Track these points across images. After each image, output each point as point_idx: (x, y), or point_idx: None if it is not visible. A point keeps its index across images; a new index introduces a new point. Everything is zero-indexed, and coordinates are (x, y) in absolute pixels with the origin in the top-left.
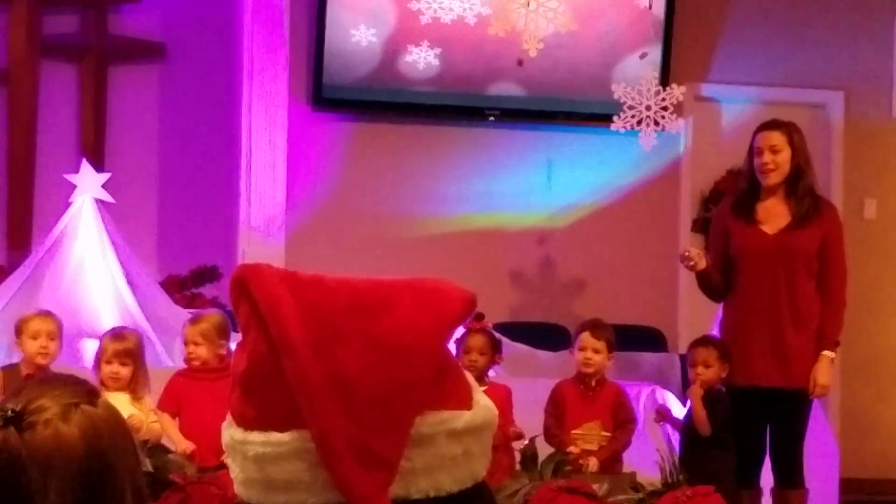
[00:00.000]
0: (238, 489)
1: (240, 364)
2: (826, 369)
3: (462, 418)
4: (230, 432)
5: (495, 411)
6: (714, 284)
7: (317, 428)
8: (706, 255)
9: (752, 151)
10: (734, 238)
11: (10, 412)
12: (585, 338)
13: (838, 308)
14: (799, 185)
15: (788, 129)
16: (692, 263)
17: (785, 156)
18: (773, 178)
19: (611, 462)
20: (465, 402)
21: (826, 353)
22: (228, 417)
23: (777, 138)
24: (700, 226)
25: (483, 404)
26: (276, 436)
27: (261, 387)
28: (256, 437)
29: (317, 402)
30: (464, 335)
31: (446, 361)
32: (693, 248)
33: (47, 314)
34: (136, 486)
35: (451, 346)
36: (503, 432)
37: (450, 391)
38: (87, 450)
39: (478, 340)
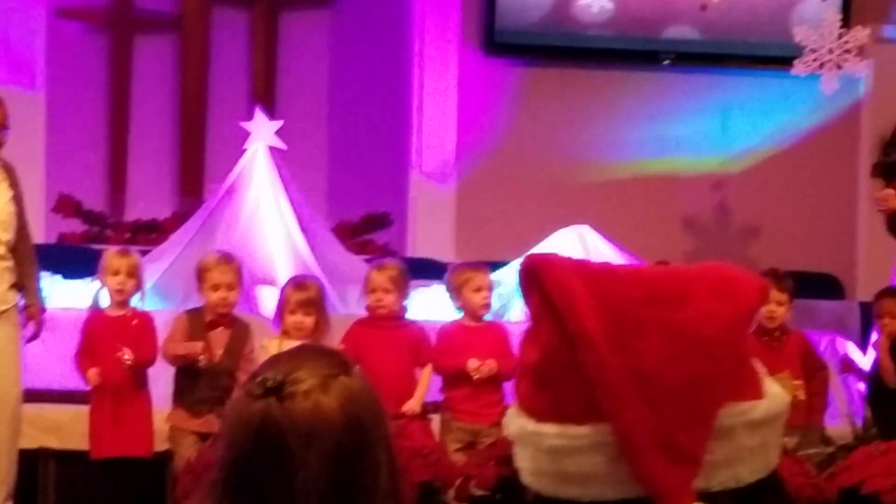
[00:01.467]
0: (527, 479)
1: (530, 355)
2: None
3: (759, 408)
4: (520, 422)
5: (787, 398)
6: None
7: (619, 422)
8: None
9: None
10: None
11: (270, 382)
12: (770, 293)
13: None
14: None
15: None
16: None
17: None
18: None
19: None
20: (759, 392)
21: None
22: (515, 406)
23: None
24: (880, 170)
25: (774, 393)
26: (573, 429)
27: (555, 379)
28: (551, 429)
29: (618, 395)
30: None
31: (743, 352)
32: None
33: (226, 261)
34: (390, 457)
35: None
36: None
37: (746, 382)
38: (346, 421)
39: None
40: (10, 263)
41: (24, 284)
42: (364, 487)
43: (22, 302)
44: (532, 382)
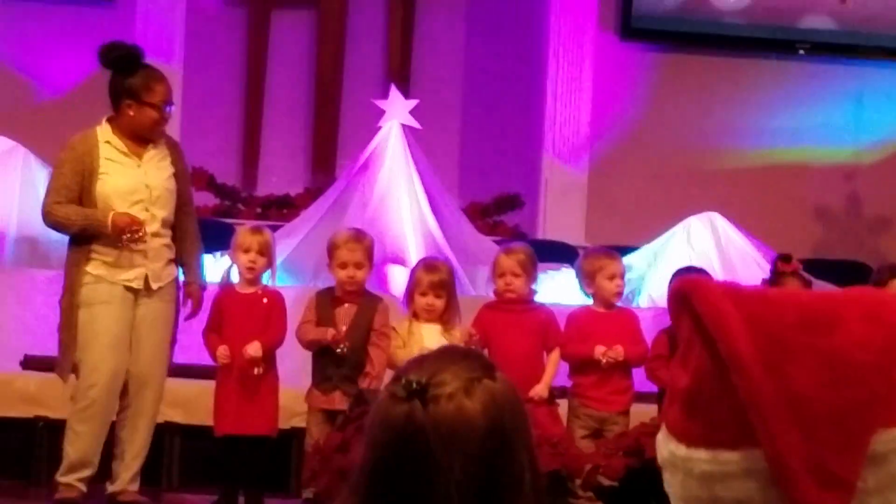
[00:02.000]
0: None
1: (681, 379)
2: None
3: None
4: (670, 447)
5: None
6: None
7: (771, 447)
8: None
9: None
10: None
11: (415, 385)
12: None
13: None
14: None
15: None
16: None
17: None
18: None
19: None
20: None
21: None
22: (665, 431)
23: None
24: None
25: None
26: (725, 454)
27: (707, 404)
28: (702, 454)
29: (771, 420)
30: (778, 279)
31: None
32: None
33: (356, 239)
34: (532, 462)
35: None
36: None
37: None
38: (489, 425)
39: (794, 284)
40: (166, 240)
41: (185, 261)
42: (507, 492)
43: (182, 279)
44: (683, 407)
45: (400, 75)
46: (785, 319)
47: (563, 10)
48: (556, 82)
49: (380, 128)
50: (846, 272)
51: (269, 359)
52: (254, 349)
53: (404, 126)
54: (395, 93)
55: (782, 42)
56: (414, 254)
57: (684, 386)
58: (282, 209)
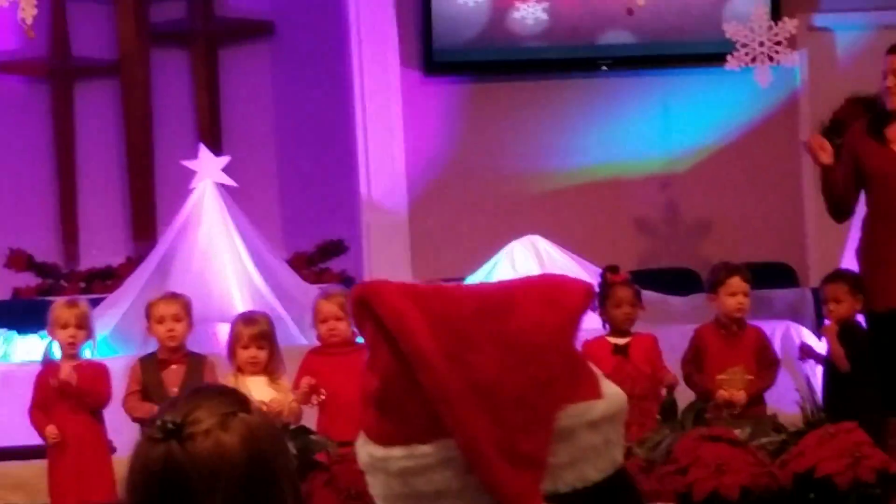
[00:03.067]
0: None
1: (371, 383)
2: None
3: (598, 408)
4: (367, 450)
5: (625, 397)
6: (838, 194)
7: (463, 436)
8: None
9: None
10: (867, 159)
11: (170, 425)
12: (737, 283)
13: None
14: None
15: None
16: (817, 154)
17: None
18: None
19: (754, 402)
20: (597, 392)
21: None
22: (363, 436)
23: None
24: None
25: (613, 392)
26: (419, 448)
27: (397, 402)
28: (398, 451)
29: (459, 410)
30: (608, 290)
31: (576, 355)
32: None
33: (172, 296)
34: (294, 488)
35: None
36: (654, 381)
37: (583, 383)
38: (249, 457)
39: (626, 292)
40: None
41: None
42: None
43: None
44: (375, 409)
45: (211, 134)
46: (463, 311)
47: (365, 51)
48: (366, 125)
49: (194, 189)
50: (673, 279)
51: (98, 426)
52: (66, 372)
53: (219, 184)
54: (204, 152)
55: (584, 60)
56: (241, 309)
57: (375, 389)
58: (105, 281)
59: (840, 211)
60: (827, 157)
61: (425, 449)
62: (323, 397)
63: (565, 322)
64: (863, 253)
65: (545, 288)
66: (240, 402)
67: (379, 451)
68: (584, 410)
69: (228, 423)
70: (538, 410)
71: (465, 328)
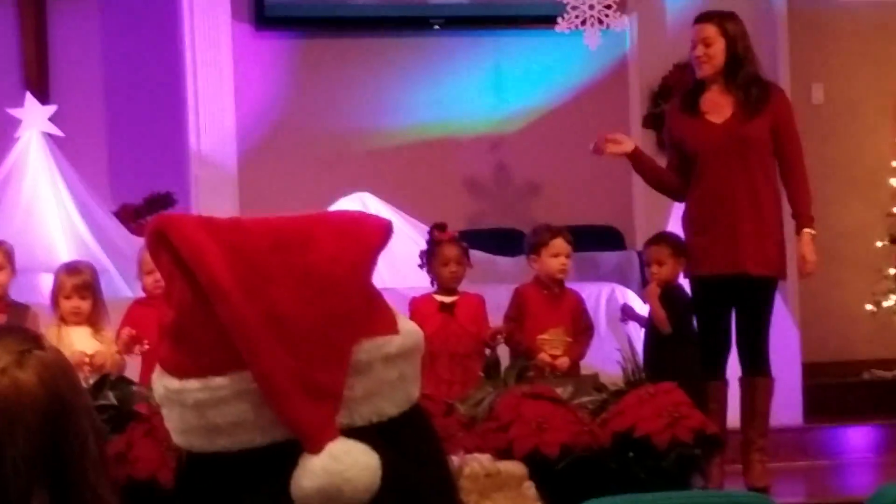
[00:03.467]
0: (178, 439)
1: (167, 315)
2: (810, 246)
3: (394, 343)
4: (163, 383)
5: (421, 334)
6: (664, 183)
7: (258, 367)
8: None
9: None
10: (684, 132)
11: None
12: (560, 244)
13: (804, 185)
14: (739, 73)
15: (721, 19)
16: (613, 148)
17: (718, 47)
18: (706, 70)
19: (571, 368)
20: (393, 328)
21: (806, 230)
22: (158, 369)
23: (709, 30)
24: (651, 122)
25: (409, 329)
26: (214, 380)
27: (193, 334)
28: (193, 384)
29: (255, 341)
30: (435, 248)
31: (372, 290)
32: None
33: None
34: (95, 425)
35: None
36: (478, 340)
37: (379, 318)
38: (47, 393)
39: (453, 250)
40: None
41: None
42: (74, 457)
43: None
44: (171, 342)
45: (38, 84)
46: (260, 244)
47: (196, 3)
48: (196, 78)
49: (18, 138)
50: (499, 239)
51: None
52: None
53: (45, 134)
54: (31, 100)
55: (416, 18)
56: (66, 260)
57: (171, 321)
58: None
59: (675, 192)
60: (624, 145)
61: (220, 381)
62: (146, 347)
63: (362, 256)
64: (686, 220)
65: (343, 223)
66: (32, 339)
67: (174, 384)
68: (380, 345)
69: (24, 361)
70: (334, 343)
71: (263, 260)
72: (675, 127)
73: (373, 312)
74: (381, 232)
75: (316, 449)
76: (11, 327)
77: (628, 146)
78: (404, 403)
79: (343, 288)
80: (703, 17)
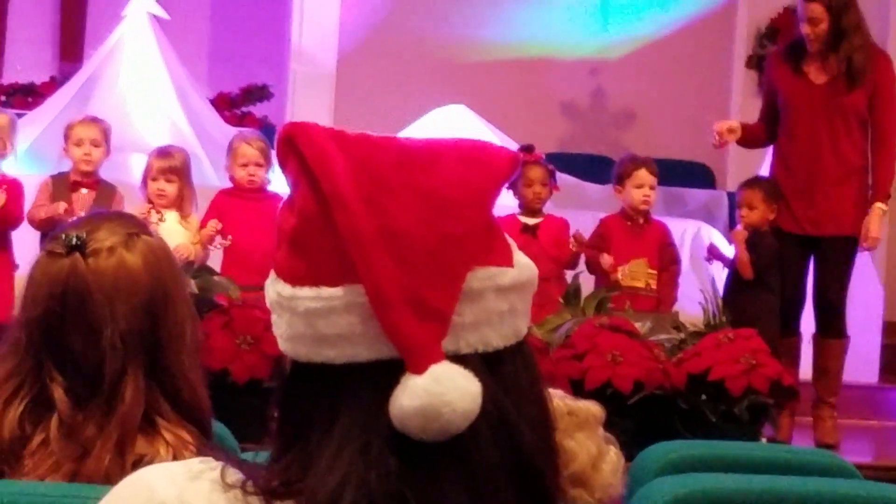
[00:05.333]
0: (284, 346)
1: (288, 221)
2: (878, 221)
3: (508, 274)
4: (276, 288)
5: (535, 270)
6: (757, 142)
7: (370, 280)
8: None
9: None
10: (783, 84)
11: (75, 240)
12: (643, 175)
13: (889, 159)
14: (843, 45)
15: None
16: (724, 140)
17: (823, 26)
18: (814, 47)
19: (661, 307)
20: (509, 260)
21: (878, 204)
22: (273, 274)
23: (815, 10)
24: (754, 62)
25: (524, 263)
26: (327, 290)
27: (311, 242)
28: (307, 292)
29: (370, 254)
30: (521, 168)
31: (492, 219)
32: (721, 125)
33: (92, 120)
34: (192, 313)
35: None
36: (559, 263)
37: (496, 249)
38: (150, 275)
39: (538, 172)
40: None
41: None
42: (169, 341)
43: None
44: (288, 248)
45: None
46: (386, 159)
47: None
48: None
49: (125, 16)
50: (590, 165)
51: (2, 241)
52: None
53: (151, 15)
54: None
55: None
56: (159, 142)
57: (290, 227)
58: (27, 97)
59: (762, 144)
60: (735, 134)
61: (333, 291)
62: (228, 242)
63: (487, 184)
64: (773, 172)
65: (471, 149)
66: (141, 224)
67: (287, 290)
68: (494, 274)
69: (131, 243)
70: (449, 265)
71: (387, 175)
72: (775, 77)
73: (490, 241)
74: (508, 162)
75: (419, 369)
76: (122, 213)
77: (738, 129)
78: (511, 337)
79: (464, 212)
80: None
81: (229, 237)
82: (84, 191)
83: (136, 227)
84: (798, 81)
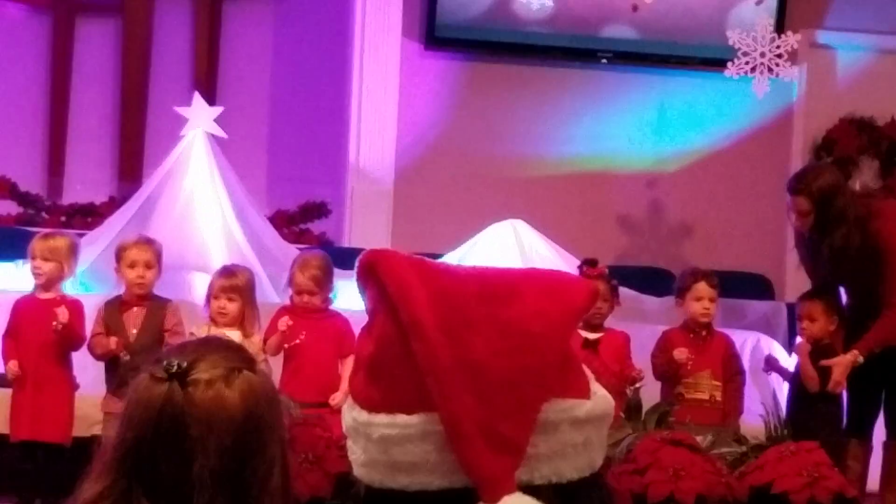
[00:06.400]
0: (359, 471)
1: (366, 347)
2: (846, 367)
3: (584, 407)
4: (353, 414)
5: (612, 402)
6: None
7: (447, 410)
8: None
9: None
10: (808, 261)
11: (175, 367)
12: (703, 288)
13: (889, 319)
14: (831, 236)
15: (809, 189)
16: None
17: (811, 218)
18: (808, 233)
19: (727, 420)
20: (586, 392)
21: (856, 352)
22: (350, 400)
23: (802, 204)
24: None
25: (601, 395)
26: (402, 418)
27: (388, 370)
28: (382, 419)
29: (447, 384)
30: None
31: (570, 351)
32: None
33: (145, 241)
34: (283, 456)
35: None
36: (620, 379)
37: (572, 380)
38: (246, 415)
39: (601, 287)
40: None
41: None
42: (257, 482)
43: None
44: (366, 374)
45: (207, 84)
46: (465, 290)
47: (368, 19)
48: (362, 91)
49: (184, 136)
50: (649, 278)
51: (63, 363)
52: (64, 315)
53: (209, 134)
54: (198, 100)
55: (585, 51)
56: (218, 262)
57: (369, 354)
58: (86, 217)
59: None
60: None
61: (409, 419)
62: (298, 341)
63: (565, 317)
64: None
65: (550, 281)
66: (246, 360)
67: (363, 416)
68: (570, 407)
69: (232, 378)
70: (525, 398)
71: (466, 307)
72: (800, 248)
73: (567, 373)
74: (586, 295)
75: (492, 499)
76: (230, 344)
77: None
78: (586, 469)
79: (542, 344)
80: (795, 189)
81: (303, 334)
82: (135, 308)
83: (241, 362)
84: (817, 257)
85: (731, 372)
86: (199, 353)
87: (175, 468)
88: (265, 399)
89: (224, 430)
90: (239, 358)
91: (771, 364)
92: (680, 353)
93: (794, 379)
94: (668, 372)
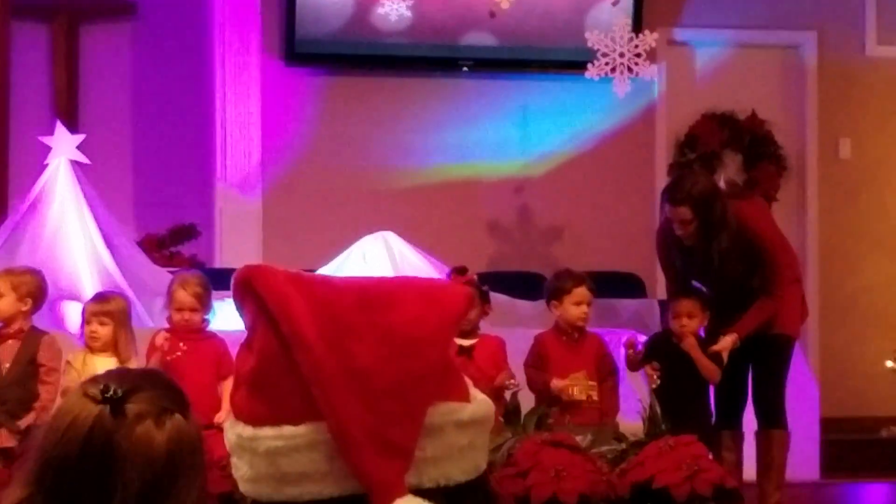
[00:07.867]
0: (245, 487)
1: (247, 362)
2: (730, 348)
3: (467, 410)
4: (237, 430)
5: (492, 406)
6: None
7: (334, 418)
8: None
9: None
10: (674, 258)
11: (111, 393)
12: (582, 292)
13: (767, 307)
14: (714, 241)
15: (691, 197)
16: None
17: (694, 226)
18: (690, 242)
19: (603, 417)
20: (466, 396)
21: (735, 335)
22: (231, 417)
23: (684, 213)
24: (675, 171)
25: (482, 399)
26: (289, 429)
27: (271, 383)
28: (268, 432)
29: (333, 393)
30: None
31: (449, 355)
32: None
33: (5, 272)
34: (200, 496)
35: None
36: (495, 383)
37: (453, 384)
38: (168, 458)
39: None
40: None
41: None
42: None
43: None
44: (248, 389)
45: (67, 111)
46: (345, 300)
47: (227, 37)
48: (225, 111)
49: (47, 165)
50: (522, 283)
51: None
52: None
53: (73, 161)
54: (60, 129)
55: (445, 59)
56: (89, 289)
57: (250, 368)
58: None
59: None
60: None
61: (296, 430)
62: (179, 353)
63: (444, 321)
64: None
65: (427, 287)
66: (181, 403)
67: (248, 431)
68: (453, 410)
69: (163, 419)
70: (410, 403)
71: (346, 316)
72: (663, 255)
73: (448, 378)
74: (463, 300)
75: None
76: (171, 384)
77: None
78: (472, 471)
79: (423, 349)
80: (676, 199)
81: (183, 345)
82: (10, 342)
83: (176, 405)
84: (687, 259)
85: (606, 371)
86: (136, 385)
87: (94, 495)
88: (190, 446)
89: (145, 467)
90: (175, 400)
91: (632, 346)
92: (557, 383)
93: (664, 373)
94: (544, 394)
